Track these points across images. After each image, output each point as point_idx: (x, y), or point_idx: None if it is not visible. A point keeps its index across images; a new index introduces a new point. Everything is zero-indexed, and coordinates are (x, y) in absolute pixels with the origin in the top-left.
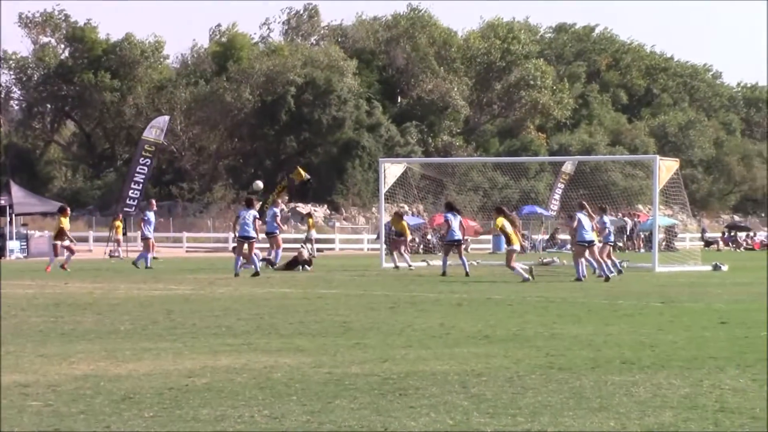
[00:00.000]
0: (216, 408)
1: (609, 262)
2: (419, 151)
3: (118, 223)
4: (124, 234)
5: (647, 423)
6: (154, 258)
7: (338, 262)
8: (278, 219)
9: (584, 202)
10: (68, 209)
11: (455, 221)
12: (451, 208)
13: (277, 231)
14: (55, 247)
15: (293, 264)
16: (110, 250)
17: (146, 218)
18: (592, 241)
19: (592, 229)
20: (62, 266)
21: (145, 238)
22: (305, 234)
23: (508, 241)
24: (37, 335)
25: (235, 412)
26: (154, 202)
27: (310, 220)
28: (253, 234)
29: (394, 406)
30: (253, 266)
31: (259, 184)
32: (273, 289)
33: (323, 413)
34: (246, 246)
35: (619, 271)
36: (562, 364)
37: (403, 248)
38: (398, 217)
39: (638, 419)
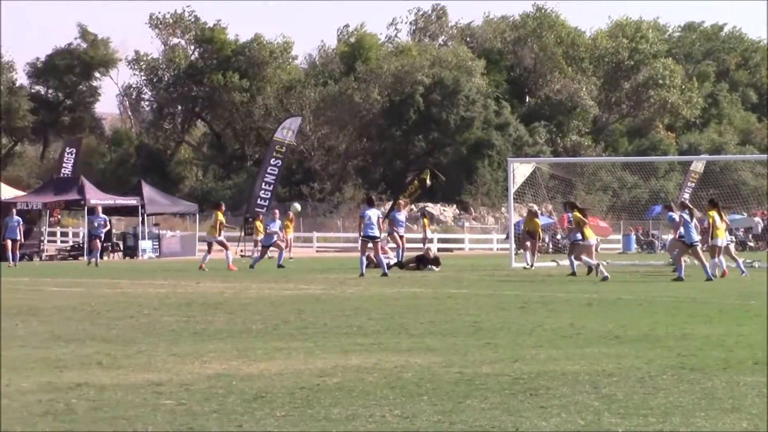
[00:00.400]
0: (347, 407)
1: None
2: (548, 150)
3: (258, 223)
4: (250, 234)
5: None
6: (290, 258)
7: (468, 261)
8: (392, 224)
9: (686, 202)
10: (222, 204)
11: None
12: (573, 207)
13: (396, 233)
14: (221, 243)
15: (421, 262)
16: (242, 250)
17: (269, 225)
18: (696, 242)
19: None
20: (200, 266)
21: (264, 247)
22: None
23: (583, 236)
24: (170, 334)
25: (366, 412)
26: (277, 212)
27: (425, 220)
28: (377, 233)
29: (524, 406)
30: (381, 266)
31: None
32: (403, 289)
33: (454, 413)
34: (371, 245)
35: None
36: (694, 365)
37: (531, 246)
38: (532, 215)
39: None
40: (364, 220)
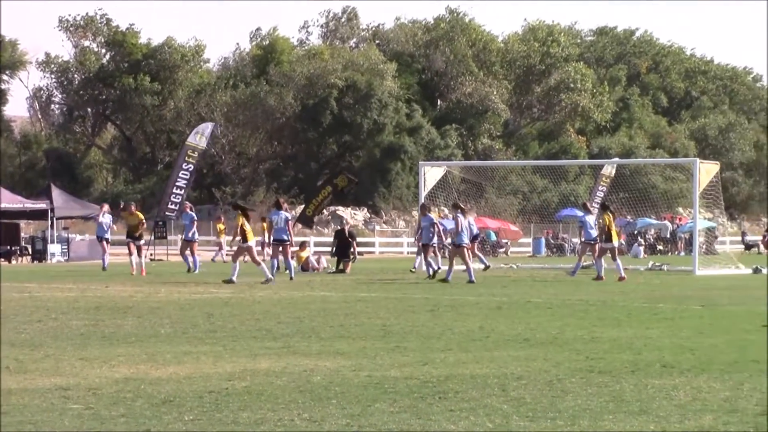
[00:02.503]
0: (256, 411)
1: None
2: (459, 154)
3: (221, 226)
4: (164, 237)
5: (687, 426)
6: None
7: (378, 265)
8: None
9: (458, 203)
10: (130, 205)
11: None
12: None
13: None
14: (137, 248)
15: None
16: (152, 254)
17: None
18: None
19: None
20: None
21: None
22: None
23: (244, 239)
24: (78, 338)
25: (274, 416)
26: (189, 204)
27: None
28: (286, 237)
29: (433, 409)
30: (289, 270)
31: None
32: (313, 293)
33: (363, 416)
34: (281, 249)
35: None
36: (602, 368)
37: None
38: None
39: (678, 423)
40: (273, 225)
